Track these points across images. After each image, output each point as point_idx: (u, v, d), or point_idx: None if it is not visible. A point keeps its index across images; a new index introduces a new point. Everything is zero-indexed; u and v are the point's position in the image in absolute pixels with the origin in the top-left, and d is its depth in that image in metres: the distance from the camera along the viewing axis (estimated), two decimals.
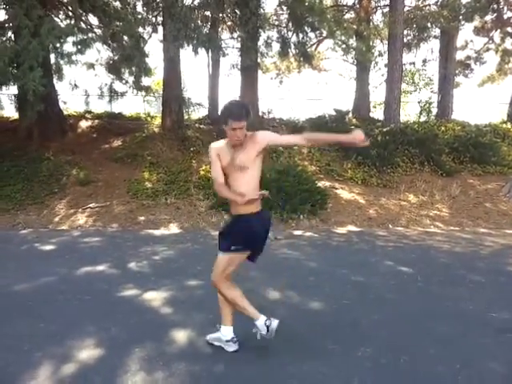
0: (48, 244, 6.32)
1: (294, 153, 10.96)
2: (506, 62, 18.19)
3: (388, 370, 2.67)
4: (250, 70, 11.57)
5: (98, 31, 10.19)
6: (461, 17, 14.24)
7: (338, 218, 8.30)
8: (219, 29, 12.11)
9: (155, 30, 11.26)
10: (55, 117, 10.89)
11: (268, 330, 2.71)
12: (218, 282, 2.77)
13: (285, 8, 12.16)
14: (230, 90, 17.38)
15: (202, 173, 9.63)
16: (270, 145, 2.72)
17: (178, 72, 11.37)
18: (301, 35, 11.18)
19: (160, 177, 9.56)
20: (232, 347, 2.83)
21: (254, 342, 2.83)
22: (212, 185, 2.87)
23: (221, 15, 11.08)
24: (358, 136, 2.54)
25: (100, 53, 11.45)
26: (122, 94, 12.25)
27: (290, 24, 11.43)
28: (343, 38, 11.57)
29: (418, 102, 14.38)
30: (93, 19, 10.56)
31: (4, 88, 8.99)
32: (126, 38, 9.79)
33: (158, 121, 12.47)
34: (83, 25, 9.79)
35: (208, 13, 10.70)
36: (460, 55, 17.54)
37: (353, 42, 12.74)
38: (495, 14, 15.60)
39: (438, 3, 15.30)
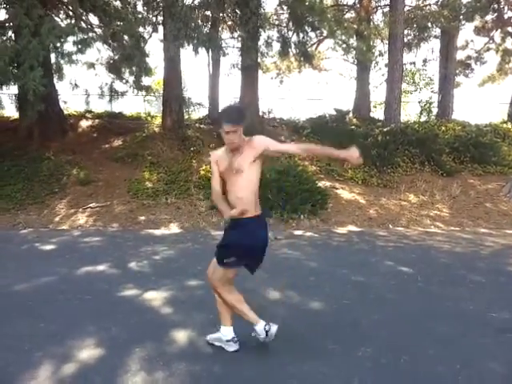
0: (48, 244, 6.33)
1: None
2: (506, 62, 18.19)
3: (388, 370, 2.67)
4: (250, 69, 11.56)
5: (99, 31, 10.19)
6: (461, 16, 14.24)
7: (339, 218, 8.30)
8: (219, 28, 12.10)
9: (155, 30, 11.27)
10: (55, 116, 10.89)
11: (267, 335, 2.73)
12: (217, 287, 2.77)
13: (285, 7, 12.16)
14: (231, 89, 17.50)
15: (202, 173, 9.62)
16: (267, 152, 2.67)
17: (178, 72, 11.37)
18: (301, 35, 11.19)
19: (160, 176, 9.57)
20: (233, 347, 2.83)
21: (254, 342, 2.83)
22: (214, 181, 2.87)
23: (221, 15, 11.08)
24: (354, 154, 2.59)
25: (100, 52, 11.48)
26: (123, 94, 12.27)
27: (291, 24, 11.43)
28: (343, 37, 11.56)
29: (419, 102, 14.39)
30: (93, 19, 10.59)
31: (4, 87, 8.99)
32: (126, 37, 9.79)
33: (158, 120, 12.46)
34: (83, 24, 9.79)
35: (208, 12, 10.69)
36: (460, 55, 17.58)
37: (353, 41, 12.74)
38: (496, 14, 15.59)
39: (439, 3, 15.30)
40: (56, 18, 9.58)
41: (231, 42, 12.97)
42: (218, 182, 2.75)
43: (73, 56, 9.18)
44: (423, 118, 13.98)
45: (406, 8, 13.92)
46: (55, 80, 10.80)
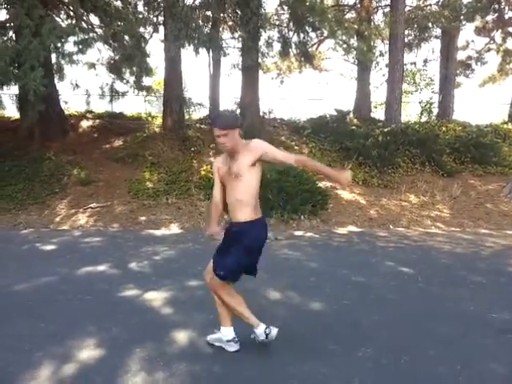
0: (49, 244, 6.33)
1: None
2: (507, 63, 18.18)
3: (389, 370, 2.67)
4: (250, 69, 11.57)
5: (99, 31, 10.19)
6: (462, 17, 14.25)
7: (339, 218, 8.30)
8: (220, 29, 12.10)
9: (156, 30, 11.28)
10: (56, 117, 10.89)
11: (267, 338, 2.74)
12: (217, 289, 2.78)
13: (286, 8, 12.17)
14: (231, 89, 17.49)
15: (202, 173, 9.62)
16: (264, 157, 2.65)
17: (178, 72, 11.37)
18: (302, 35, 11.19)
19: (161, 177, 9.57)
20: (233, 347, 2.83)
21: (254, 343, 2.83)
22: (213, 185, 2.90)
23: (222, 15, 11.08)
24: (344, 180, 2.73)
25: (101, 52, 11.47)
26: (123, 94, 12.28)
27: (291, 24, 11.43)
28: (344, 37, 11.56)
29: (419, 102, 14.37)
30: (94, 19, 10.58)
31: (5, 88, 9.00)
32: (127, 37, 9.80)
33: (158, 121, 12.47)
34: (84, 24, 9.80)
35: (209, 13, 10.69)
36: (461, 55, 17.58)
37: (354, 41, 12.74)
38: (496, 14, 15.60)
39: (439, 3, 15.31)
40: (57, 19, 9.59)
41: (232, 43, 12.97)
42: (219, 192, 2.81)
43: (73, 56, 9.20)
44: (424, 119, 13.97)
45: (407, 8, 13.93)
46: (56, 80, 10.79)
